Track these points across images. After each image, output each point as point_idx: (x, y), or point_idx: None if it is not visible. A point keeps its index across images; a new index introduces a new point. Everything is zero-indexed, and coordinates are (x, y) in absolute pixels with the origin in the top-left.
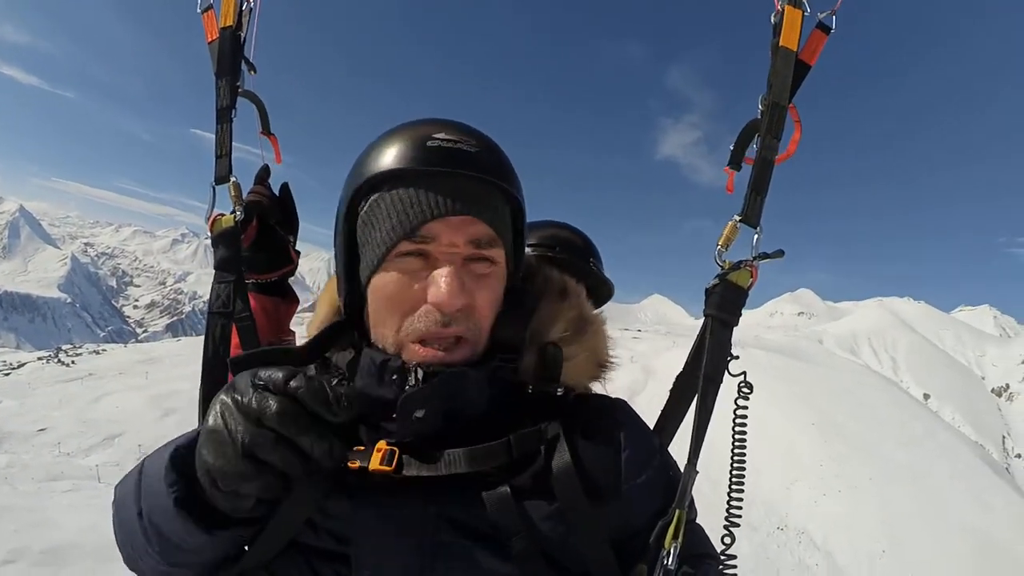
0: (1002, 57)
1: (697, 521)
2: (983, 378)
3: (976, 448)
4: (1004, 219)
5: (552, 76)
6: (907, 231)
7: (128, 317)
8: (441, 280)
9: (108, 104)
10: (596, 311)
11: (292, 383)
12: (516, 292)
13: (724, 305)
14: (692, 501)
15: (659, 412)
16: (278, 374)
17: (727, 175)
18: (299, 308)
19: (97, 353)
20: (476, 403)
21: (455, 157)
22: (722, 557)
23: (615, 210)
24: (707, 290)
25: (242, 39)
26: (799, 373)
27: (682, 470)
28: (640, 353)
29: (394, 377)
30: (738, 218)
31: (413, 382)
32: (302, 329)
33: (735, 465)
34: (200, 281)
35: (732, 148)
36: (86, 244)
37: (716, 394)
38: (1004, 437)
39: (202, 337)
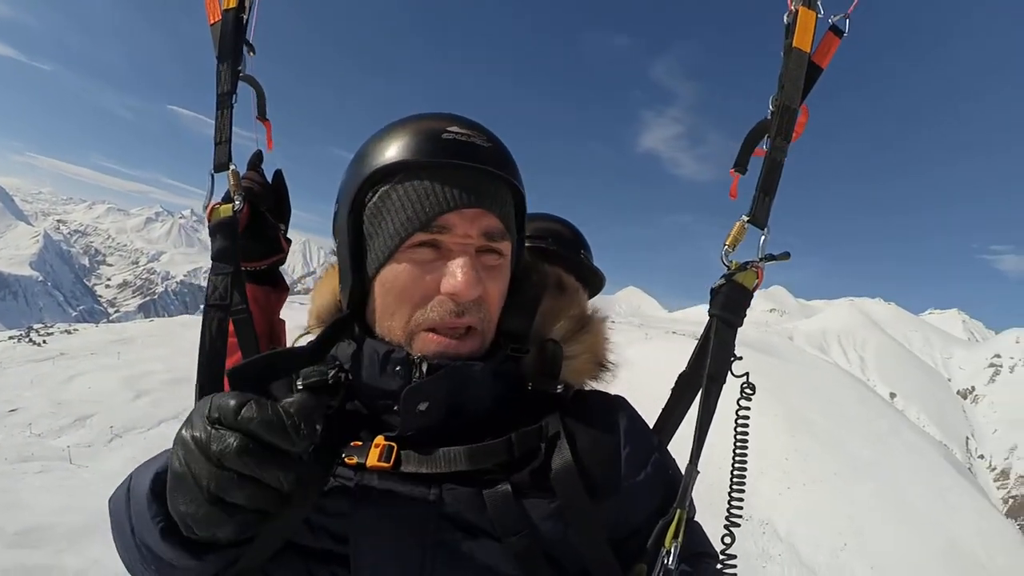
0: (978, 65)
1: (696, 519)
2: (949, 380)
3: (940, 447)
4: (978, 225)
5: (537, 64)
6: (881, 233)
7: (100, 296)
8: (458, 270)
9: (85, 78)
10: (598, 310)
11: (244, 413)
12: (517, 284)
13: (729, 305)
14: (691, 501)
15: (632, 403)
16: (229, 404)
17: (732, 178)
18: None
19: (69, 333)
20: (480, 398)
21: (469, 151)
22: (722, 556)
23: (595, 201)
24: (712, 290)
25: (244, 21)
26: (769, 368)
27: (683, 469)
28: (614, 347)
29: (398, 368)
30: (746, 218)
31: (418, 374)
32: (291, 314)
33: (736, 465)
34: (173, 261)
35: (739, 150)
36: (59, 221)
37: (719, 394)
38: (968, 438)
39: (175, 318)
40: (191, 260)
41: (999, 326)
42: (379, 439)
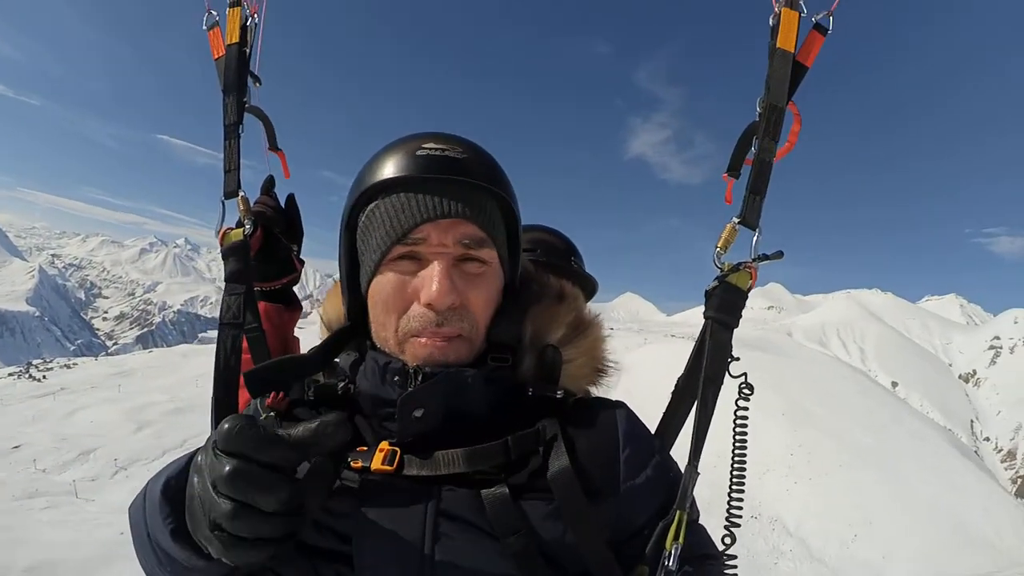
0: (967, 53)
1: (699, 522)
2: (950, 365)
3: (944, 432)
4: (971, 210)
5: (523, 74)
6: (875, 224)
7: (98, 330)
8: (431, 280)
9: (73, 110)
10: (593, 313)
11: (235, 434)
12: (512, 293)
13: (724, 307)
14: (693, 502)
15: (634, 407)
16: (223, 427)
17: (725, 183)
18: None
19: (68, 367)
20: (475, 403)
21: (442, 163)
22: (724, 556)
23: (587, 208)
24: (707, 292)
25: (247, 54)
26: (769, 365)
27: (683, 471)
28: (611, 350)
29: (395, 378)
30: (736, 220)
31: (412, 384)
32: (304, 334)
33: (736, 466)
34: (169, 291)
35: (732, 154)
36: (53, 255)
37: (717, 395)
38: (972, 421)
39: (174, 348)
40: (187, 289)
41: (997, 308)
42: (383, 444)
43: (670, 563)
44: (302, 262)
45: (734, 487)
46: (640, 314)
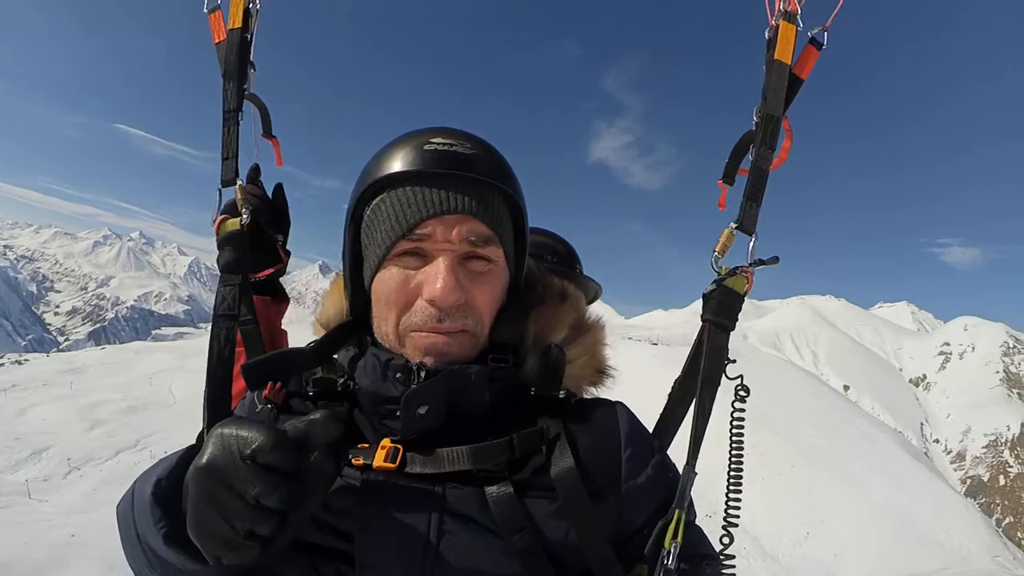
0: (927, 74)
1: (696, 523)
2: (901, 370)
3: (894, 434)
4: (925, 221)
5: (492, 74)
6: (831, 232)
7: (49, 324)
8: (436, 277)
9: (31, 95)
10: (598, 317)
11: (222, 434)
12: (517, 294)
13: (721, 310)
14: (691, 502)
15: None
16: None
17: (720, 189)
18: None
19: (19, 363)
20: (478, 401)
21: (450, 159)
22: (721, 557)
23: (548, 212)
24: (704, 295)
25: (249, 40)
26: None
27: (680, 471)
28: (611, 348)
29: (398, 375)
30: (734, 225)
31: (417, 380)
32: (291, 328)
33: (733, 466)
34: (123, 286)
35: (727, 161)
36: (5, 247)
37: (714, 396)
38: (922, 424)
39: (127, 345)
40: (140, 284)
41: (948, 316)
42: (385, 441)
43: (669, 562)
44: (288, 253)
45: (731, 488)
46: (601, 317)
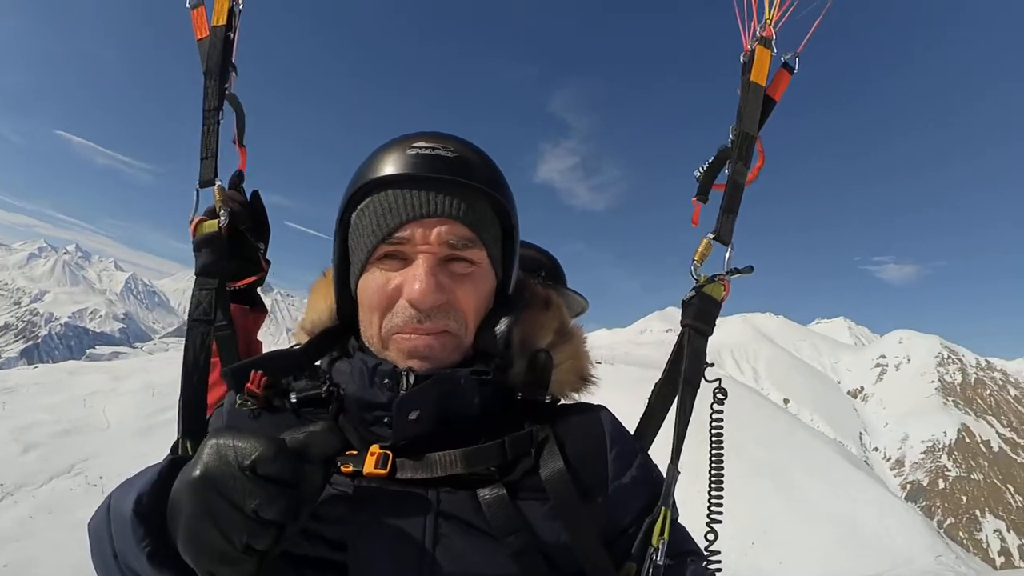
0: (862, 101)
1: (679, 521)
2: (839, 382)
3: (834, 444)
4: (861, 241)
5: (440, 89)
6: (771, 251)
7: None
8: (414, 278)
9: None
10: (578, 325)
11: (216, 445)
12: (505, 298)
13: (700, 315)
14: (674, 500)
15: None
16: (249, 446)
17: (693, 206)
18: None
19: None
20: (468, 405)
21: (431, 162)
22: (706, 553)
23: None
24: (684, 301)
25: (232, 39)
26: None
27: (663, 470)
28: (592, 355)
29: (385, 381)
30: (711, 236)
31: (405, 385)
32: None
33: (714, 466)
34: (57, 301)
35: (701, 179)
36: None
37: (695, 398)
38: (861, 433)
39: (61, 364)
40: (75, 300)
41: (884, 330)
42: (374, 447)
43: (658, 558)
44: (268, 262)
45: (713, 486)
46: None
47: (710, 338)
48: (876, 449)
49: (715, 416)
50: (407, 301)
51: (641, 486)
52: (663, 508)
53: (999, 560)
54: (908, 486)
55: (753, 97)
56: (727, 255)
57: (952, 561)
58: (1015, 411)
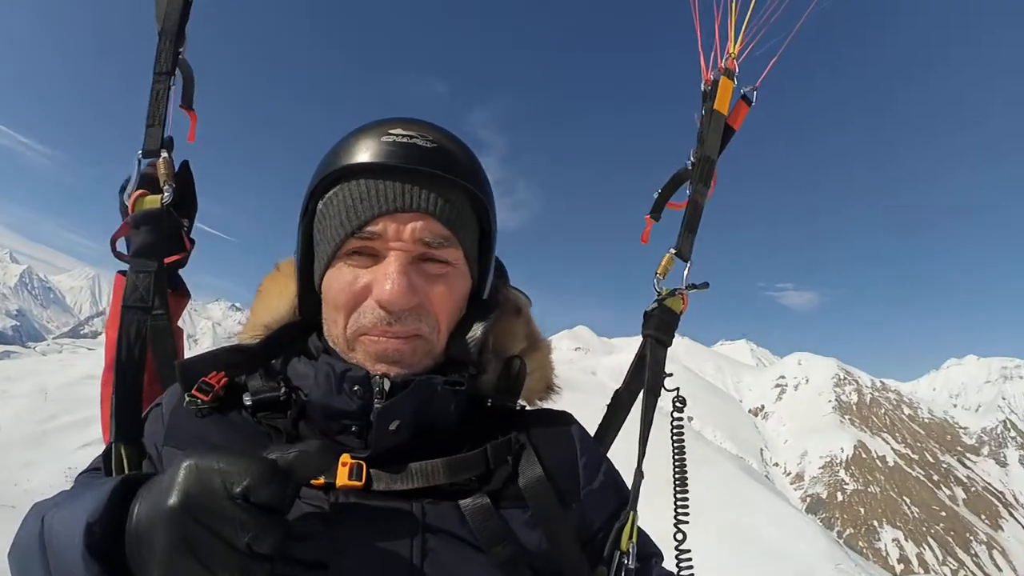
0: (763, 132)
1: (639, 524)
2: (741, 401)
3: (736, 460)
4: (765, 267)
5: (356, 105)
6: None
7: None
8: (386, 278)
9: None
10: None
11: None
12: (479, 301)
13: (661, 327)
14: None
15: None
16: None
17: (646, 223)
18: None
19: None
20: (445, 415)
21: (408, 152)
22: (677, 552)
23: None
24: (646, 313)
25: (190, 3)
26: (573, 402)
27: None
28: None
29: (356, 388)
30: (673, 251)
31: (379, 392)
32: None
33: (677, 469)
34: None
35: (656, 197)
36: None
37: (655, 405)
38: (762, 449)
39: None
40: None
41: (784, 351)
42: (345, 457)
43: (628, 562)
44: (192, 241)
45: (678, 489)
46: None
47: (617, 358)
48: (776, 464)
49: (675, 423)
50: (376, 302)
51: (609, 491)
52: (631, 513)
53: (899, 567)
54: (808, 499)
55: (715, 124)
56: (686, 271)
57: (852, 569)
58: (909, 429)
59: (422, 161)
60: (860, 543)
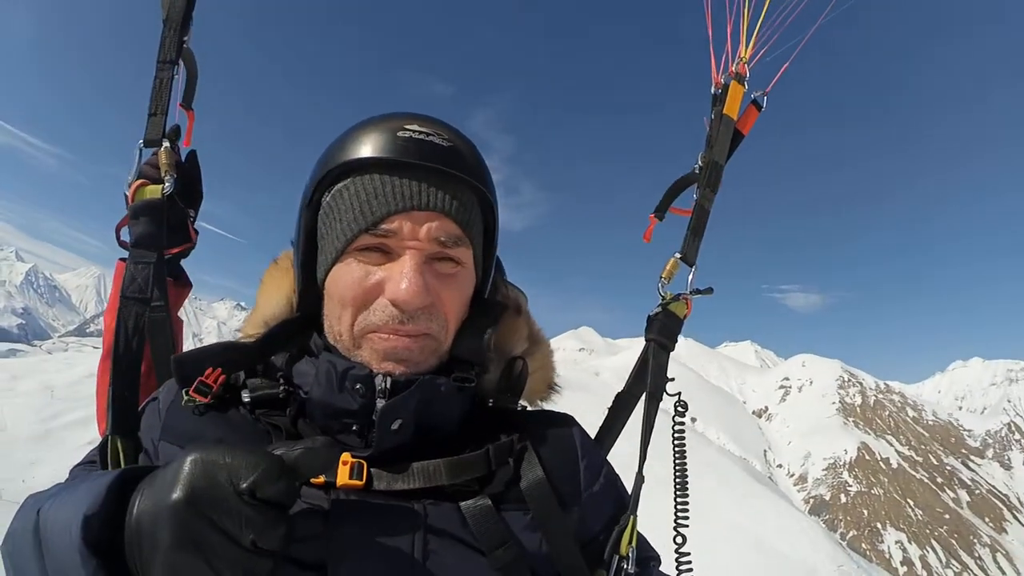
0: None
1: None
2: (744, 402)
3: (739, 461)
4: (770, 269)
5: (355, 105)
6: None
7: None
8: (402, 276)
9: None
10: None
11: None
12: (482, 302)
13: (664, 331)
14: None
15: None
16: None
17: (649, 222)
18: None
19: None
20: (447, 414)
21: (425, 149)
22: (676, 555)
23: None
24: (649, 317)
25: None
26: (577, 403)
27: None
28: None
29: (358, 387)
30: (678, 256)
31: (382, 391)
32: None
33: (678, 472)
34: None
35: (662, 198)
36: None
37: (657, 409)
38: (766, 451)
39: None
40: None
41: (788, 353)
42: (345, 456)
43: (628, 567)
44: (197, 232)
45: (678, 492)
46: None
47: (621, 359)
48: (780, 466)
49: (677, 427)
50: (391, 300)
51: (609, 494)
52: (631, 517)
53: (902, 570)
54: (811, 501)
55: (724, 128)
56: (690, 276)
57: (855, 571)
58: (913, 431)
59: (439, 159)
60: (863, 545)
